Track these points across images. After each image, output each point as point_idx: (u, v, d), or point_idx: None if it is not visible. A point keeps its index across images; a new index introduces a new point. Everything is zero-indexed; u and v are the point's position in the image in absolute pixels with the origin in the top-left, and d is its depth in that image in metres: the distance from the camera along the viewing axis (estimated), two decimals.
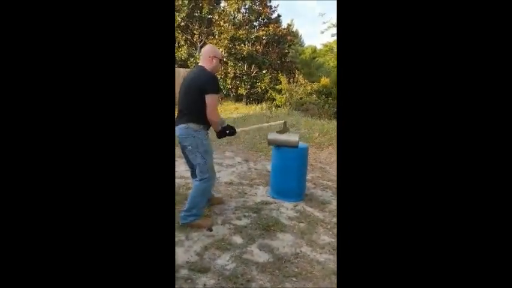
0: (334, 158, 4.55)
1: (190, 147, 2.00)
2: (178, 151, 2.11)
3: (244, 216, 2.37)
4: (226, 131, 2.16)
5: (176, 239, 1.92)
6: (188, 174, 3.32)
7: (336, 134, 5.68)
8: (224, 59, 10.33)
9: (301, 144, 2.85)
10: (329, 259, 1.86)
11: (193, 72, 2.11)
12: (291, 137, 2.62)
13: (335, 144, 5.20)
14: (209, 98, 1.93)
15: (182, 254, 1.79)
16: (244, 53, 10.59)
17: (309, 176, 3.27)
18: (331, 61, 10.70)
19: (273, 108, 9.10)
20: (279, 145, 2.64)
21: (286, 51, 11.79)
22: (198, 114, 1.97)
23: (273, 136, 2.65)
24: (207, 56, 2.05)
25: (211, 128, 2.09)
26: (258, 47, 11.04)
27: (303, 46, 16.90)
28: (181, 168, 3.15)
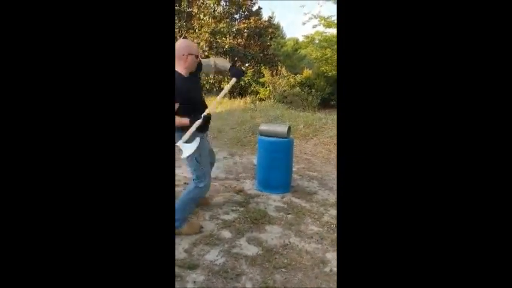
0: (319, 149, 4.60)
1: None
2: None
3: (232, 210, 2.36)
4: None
5: None
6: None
7: (319, 125, 5.75)
8: (205, 54, 10.17)
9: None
10: (317, 248, 1.89)
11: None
12: (280, 127, 2.72)
13: (319, 136, 5.26)
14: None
15: None
16: (226, 47, 10.45)
17: (294, 168, 3.29)
18: (313, 53, 10.67)
19: (257, 101, 9.07)
20: (268, 135, 2.73)
21: (268, 43, 11.71)
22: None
23: (264, 127, 2.78)
24: (180, 54, 1.72)
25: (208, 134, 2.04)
26: (240, 40, 10.90)
27: (285, 38, 16.84)
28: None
